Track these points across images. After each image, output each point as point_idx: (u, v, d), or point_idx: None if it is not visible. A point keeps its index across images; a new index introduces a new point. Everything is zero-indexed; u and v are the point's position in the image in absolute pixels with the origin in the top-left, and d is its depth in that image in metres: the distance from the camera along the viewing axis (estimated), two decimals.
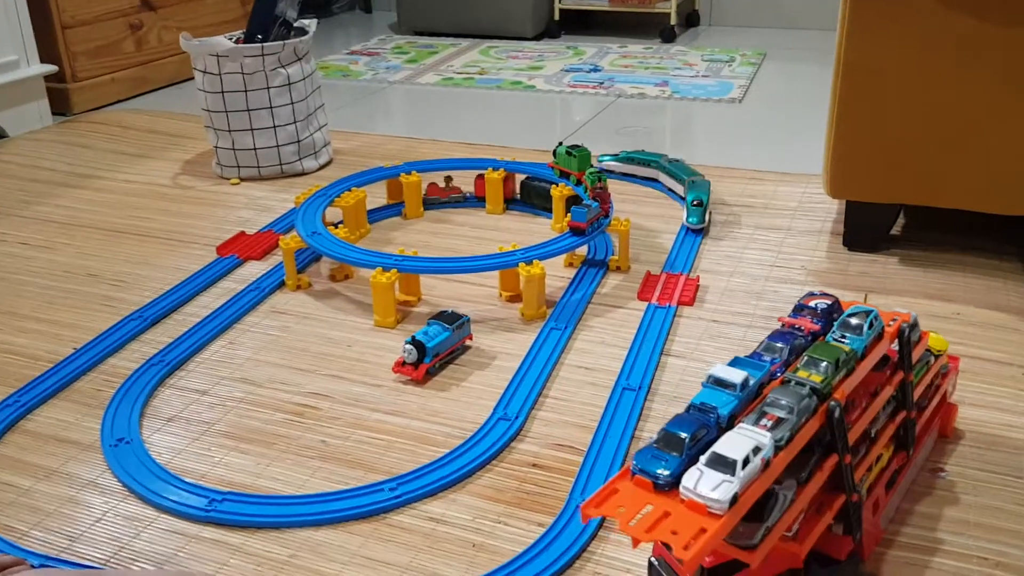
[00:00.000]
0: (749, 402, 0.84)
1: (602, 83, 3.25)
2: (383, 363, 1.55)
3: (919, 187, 1.70)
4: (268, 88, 2.33)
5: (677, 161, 2.24)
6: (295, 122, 2.39)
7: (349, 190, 2.02)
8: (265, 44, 2.30)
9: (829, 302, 0.98)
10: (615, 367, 1.50)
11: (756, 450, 0.73)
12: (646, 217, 2.07)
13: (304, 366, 1.55)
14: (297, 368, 1.55)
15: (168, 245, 2.05)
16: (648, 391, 1.41)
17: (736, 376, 0.83)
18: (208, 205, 2.28)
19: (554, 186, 2.00)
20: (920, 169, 1.68)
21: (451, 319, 1.55)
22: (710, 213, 2.02)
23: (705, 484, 0.71)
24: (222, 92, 2.32)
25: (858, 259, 1.81)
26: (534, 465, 1.28)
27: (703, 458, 0.74)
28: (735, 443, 0.74)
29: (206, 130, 2.43)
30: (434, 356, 1.50)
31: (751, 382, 0.84)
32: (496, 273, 1.75)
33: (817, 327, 0.94)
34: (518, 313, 1.69)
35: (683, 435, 0.76)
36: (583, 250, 1.89)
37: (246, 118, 2.35)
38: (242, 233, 2.06)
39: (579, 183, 1.96)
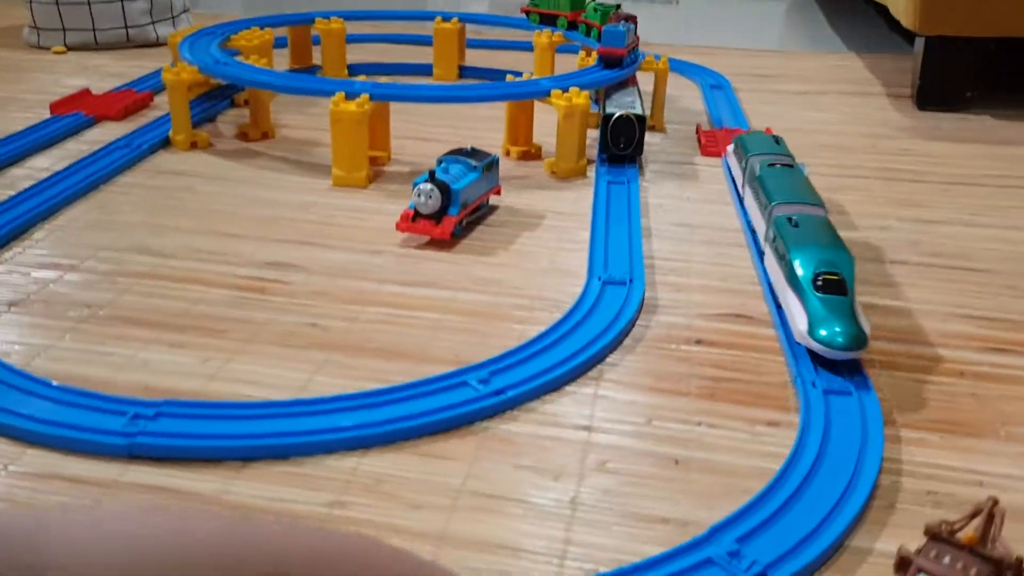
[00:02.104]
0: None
1: None
2: (368, 227, 0.98)
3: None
4: None
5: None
6: None
7: (248, 29, 1.41)
8: None
9: None
10: (729, 224, 1.01)
11: None
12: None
13: (239, 232, 0.96)
14: (227, 234, 0.95)
15: None
16: None
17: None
18: (23, 71, 1.58)
19: (537, 34, 1.48)
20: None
21: (476, 156, 1.00)
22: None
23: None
24: None
25: (936, 117, 1.42)
26: (699, 342, 0.76)
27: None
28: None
29: None
30: (462, 207, 0.95)
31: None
32: (500, 117, 1.22)
33: None
34: (544, 171, 1.16)
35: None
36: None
37: None
38: (87, 90, 1.40)
39: (575, 25, 1.45)
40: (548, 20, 1.50)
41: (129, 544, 0.30)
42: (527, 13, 1.53)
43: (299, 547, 0.34)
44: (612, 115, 1.12)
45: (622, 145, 1.12)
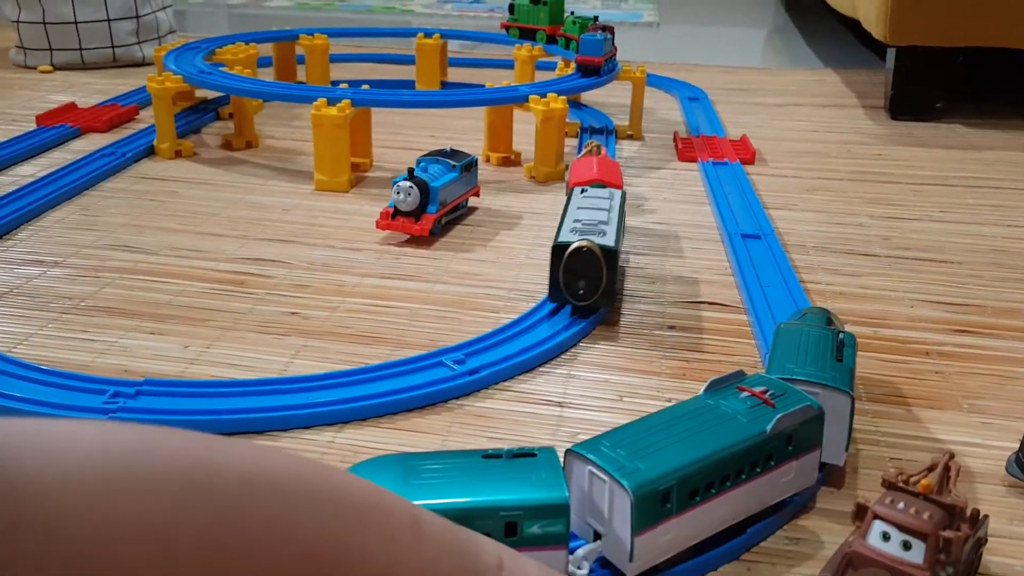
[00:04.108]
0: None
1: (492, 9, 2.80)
2: (349, 227, 0.99)
3: (990, 25, 1.38)
4: None
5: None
6: None
7: (233, 44, 1.44)
8: None
9: None
10: (704, 222, 1.03)
11: None
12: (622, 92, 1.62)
13: (221, 231, 0.97)
14: (209, 234, 0.96)
15: None
16: (777, 238, 0.96)
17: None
18: (10, 88, 1.60)
19: (518, 48, 1.51)
20: (990, 5, 1.36)
21: (455, 156, 1.02)
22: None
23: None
24: None
25: (907, 125, 1.45)
26: (672, 327, 0.78)
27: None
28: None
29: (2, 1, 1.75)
30: (440, 205, 0.96)
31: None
32: (481, 128, 1.24)
33: None
34: (523, 176, 1.18)
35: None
36: (572, 125, 1.40)
37: None
38: (72, 104, 1.41)
39: (554, 39, 1.48)
40: (528, 34, 1.53)
41: (106, 458, 0.31)
42: (507, 28, 1.56)
43: (264, 468, 0.35)
44: (566, 245, 0.75)
45: (581, 291, 0.76)
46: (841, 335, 0.62)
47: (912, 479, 0.49)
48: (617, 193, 0.88)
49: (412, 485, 0.45)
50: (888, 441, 0.62)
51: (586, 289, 0.76)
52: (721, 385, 0.55)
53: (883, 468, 0.59)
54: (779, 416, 0.51)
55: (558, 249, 0.76)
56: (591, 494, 0.48)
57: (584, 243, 0.75)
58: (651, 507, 0.46)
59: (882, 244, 0.97)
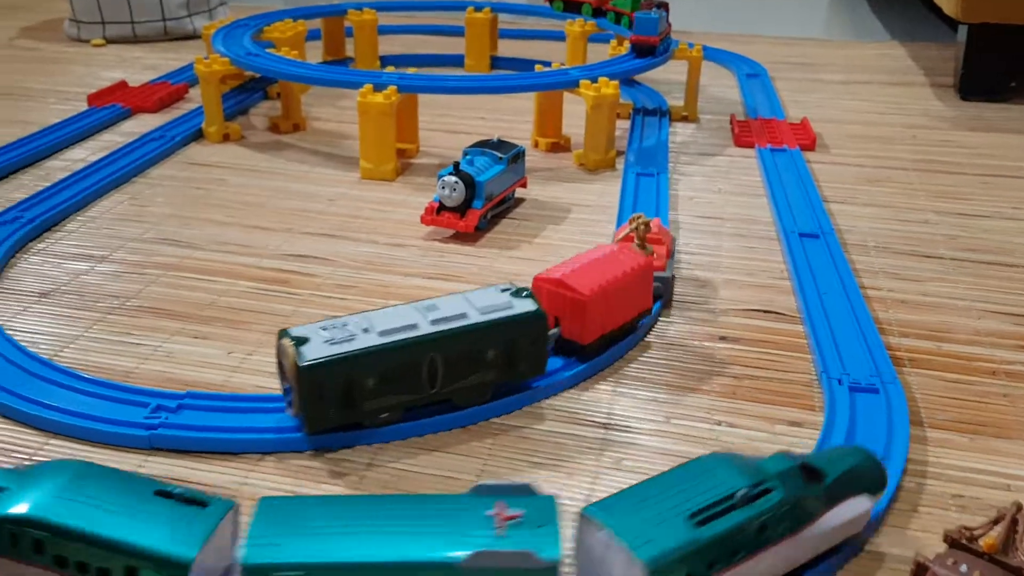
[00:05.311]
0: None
1: None
2: (394, 220, 0.98)
3: None
4: None
5: None
6: None
7: (282, 20, 1.42)
8: None
9: None
10: (760, 216, 0.99)
11: None
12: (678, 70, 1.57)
13: (267, 224, 0.96)
14: (255, 227, 0.95)
15: (8, 99, 1.39)
16: (836, 237, 0.92)
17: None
18: (63, 63, 1.61)
19: (570, 23, 1.47)
20: None
21: (502, 148, 1.00)
22: None
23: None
24: None
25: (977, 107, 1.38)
26: (723, 338, 0.75)
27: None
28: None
29: None
30: (486, 200, 0.94)
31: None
32: (530, 108, 1.21)
33: None
34: (572, 163, 1.15)
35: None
36: (625, 107, 1.36)
37: None
38: (123, 83, 1.41)
39: (602, 12, 1.43)
40: (573, 8, 1.48)
41: None
42: (550, 1, 1.52)
43: None
44: (306, 367, 0.57)
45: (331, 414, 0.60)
46: (749, 503, 0.46)
47: (977, 533, 0.47)
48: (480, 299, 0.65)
49: (63, 499, 0.45)
50: (951, 475, 0.59)
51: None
52: (490, 493, 0.47)
53: (945, 507, 0.56)
54: (479, 552, 0.42)
55: (298, 372, 0.58)
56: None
57: (320, 357, 0.58)
58: None
59: (948, 244, 0.93)
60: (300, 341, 0.59)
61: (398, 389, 0.61)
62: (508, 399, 0.65)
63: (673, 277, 0.80)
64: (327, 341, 0.59)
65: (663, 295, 0.79)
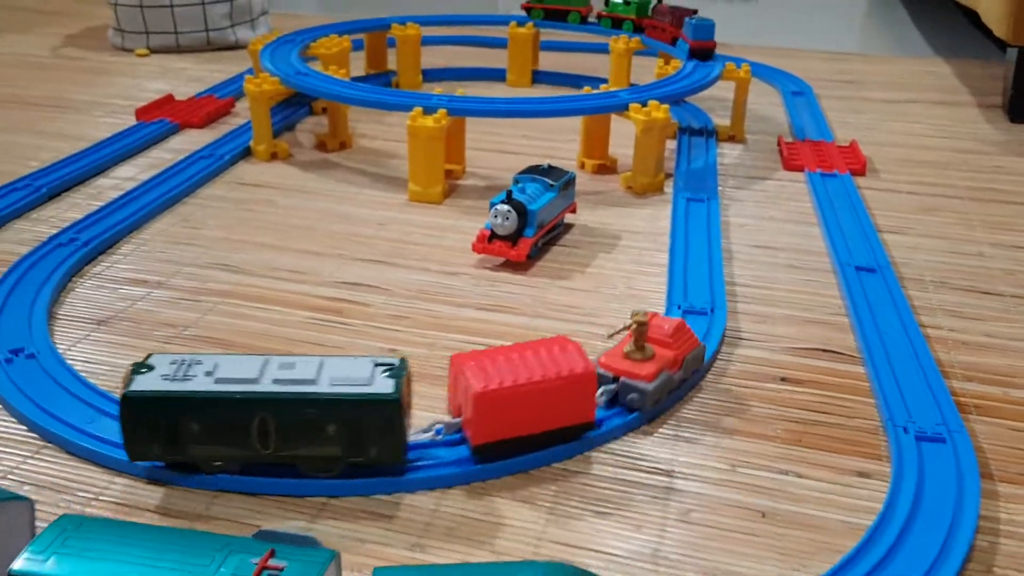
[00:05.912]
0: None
1: None
2: (445, 246, 0.98)
3: None
4: None
5: None
6: None
7: (327, 36, 1.42)
8: None
9: None
10: (814, 247, 0.98)
11: None
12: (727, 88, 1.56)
13: (318, 248, 0.96)
14: (307, 251, 0.96)
15: (57, 111, 1.40)
16: (893, 271, 0.91)
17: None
18: (108, 74, 1.62)
19: (614, 39, 1.46)
20: None
21: (552, 175, 0.99)
22: None
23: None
24: None
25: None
26: (784, 379, 0.75)
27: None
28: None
29: None
30: (538, 227, 0.94)
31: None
32: (576, 127, 1.21)
33: None
34: (620, 186, 1.15)
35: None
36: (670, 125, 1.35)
37: None
38: (170, 96, 1.42)
39: (641, 28, 1.43)
40: (616, 25, 1.48)
41: None
42: (528, 9, 1.55)
43: None
44: (126, 397, 0.59)
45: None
46: None
47: None
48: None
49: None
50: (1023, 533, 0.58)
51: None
52: (270, 539, 0.46)
53: (1020, 568, 0.55)
54: None
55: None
56: None
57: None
58: None
59: (1006, 280, 0.91)
60: (142, 369, 0.60)
61: (226, 441, 0.59)
62: (569, 445, 0.65)
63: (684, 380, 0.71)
64: (164, 376, 0.60)
65: (640, 407, 0.67)
